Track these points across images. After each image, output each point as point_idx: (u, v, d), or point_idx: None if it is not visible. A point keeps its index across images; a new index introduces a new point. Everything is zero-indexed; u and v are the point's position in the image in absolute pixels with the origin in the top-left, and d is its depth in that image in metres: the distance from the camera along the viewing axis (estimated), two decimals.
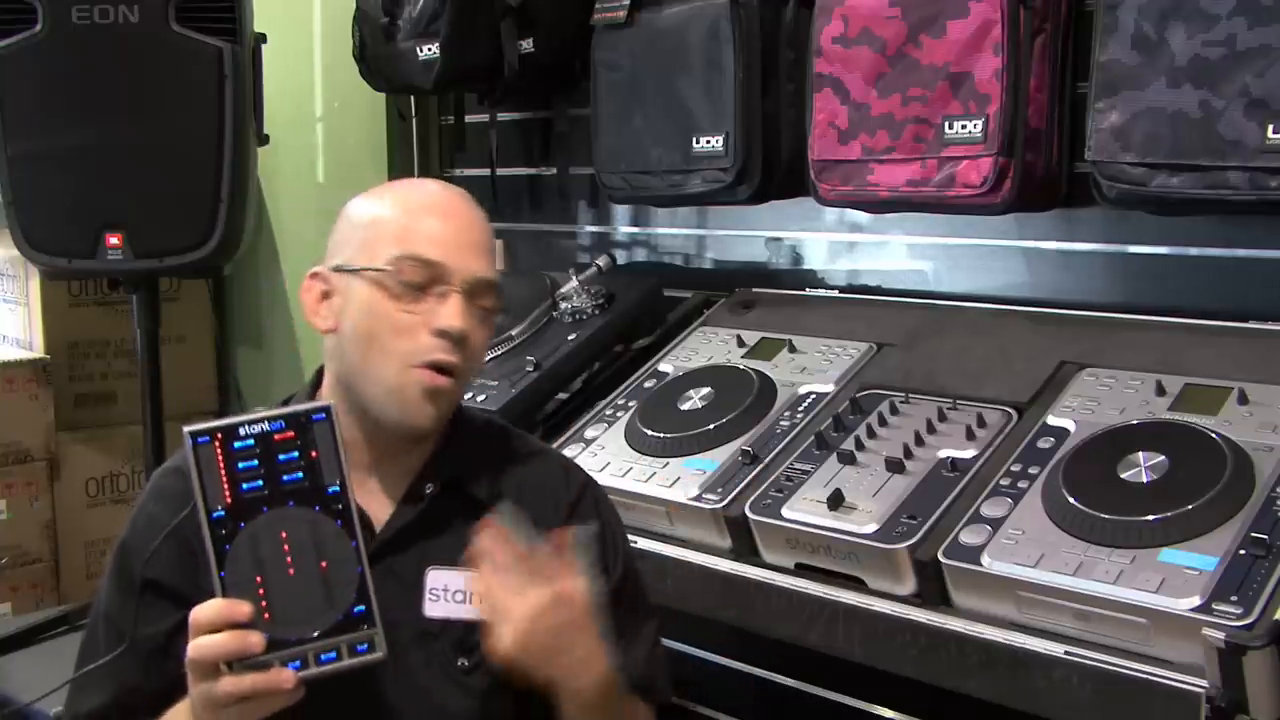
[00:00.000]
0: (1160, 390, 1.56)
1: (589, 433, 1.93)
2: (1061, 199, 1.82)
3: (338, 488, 1.17)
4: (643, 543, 1.69)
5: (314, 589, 1.15)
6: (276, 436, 1.17)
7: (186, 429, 1.15)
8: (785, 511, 1.58)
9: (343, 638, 1.15)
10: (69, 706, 1.41)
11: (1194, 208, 1.61)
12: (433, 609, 1.34)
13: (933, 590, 1.45)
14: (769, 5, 2.01)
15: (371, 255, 1.34)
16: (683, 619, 1.69)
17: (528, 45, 2.30)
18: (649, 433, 1.84)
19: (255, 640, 1.12)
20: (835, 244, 2.20)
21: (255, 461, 1.16)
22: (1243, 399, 1.50)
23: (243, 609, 1.13)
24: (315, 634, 1.15)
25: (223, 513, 1.14)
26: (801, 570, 1.57)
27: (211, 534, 1.14)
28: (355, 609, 1.16)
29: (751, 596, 1.59)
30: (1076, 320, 1.81)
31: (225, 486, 1.15)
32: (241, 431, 1.16)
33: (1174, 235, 1.77)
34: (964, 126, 1.74)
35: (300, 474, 1.17)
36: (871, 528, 1.50)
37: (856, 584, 1.52)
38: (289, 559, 1.15)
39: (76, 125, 2.33)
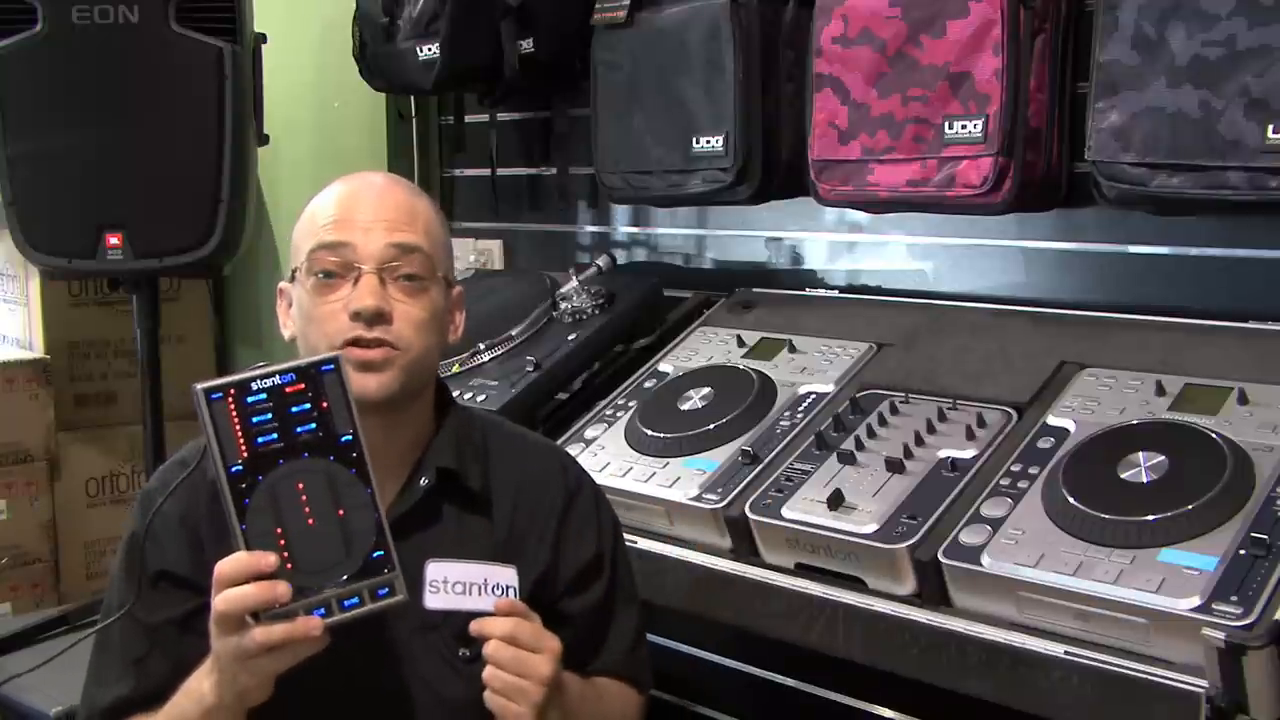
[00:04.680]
0: (1160, 390, 1.56)
1: (589, 433, 1.93)
2: (1061, 199, 1.82)
3: (350, 436, 1.18)
4: (643, 543, 1.69)
5: (333, 537, 1.16)
6: (288, 389, 1.17)
7: (199, 385, 1.15)
8: (785, 511, 1.58)
9: (364, 583, 1.16)
10: (86, 701, 1.40)
11: (1194, 208, 1.61)
12: (433, 600, 1.34)
13: (933, 590, 1.45)
14: (769, 5, 2.00)
15: (298, 256, 1.39)
16: (683, 619, 1.70)
17: (528, 45, 2.30)
18: (649, 433, 1.84)
19: (283, 590, 1.13)
20: (835, 244, 2.20)
21: (269, 414, 1.16)
22: (1243, 399, 1.50)
23: (268, 559, 1.14)
24: (337, 581, 1.16)
25: (240, 467, 1.15)
26: (801, 570, 1.57)
27: (231, 489, 1.14)
28: (374, 554, 1.17)
29: (751, 596, 1.59)
30: (1076, 320, 1.81)
31: (241, 441, 1.15)
32: (254, 386, 1.17)
33: (1174, 235, 1.77)
34: (964, 126, 1.74)
35: (313, 424, 1.18)
36: (871, 528, 1.50)
37: (856, 584, 1.52)
38: (307, 509, 1.16)
39: (76, 125, 2.32)
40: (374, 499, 1.18)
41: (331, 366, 1.20)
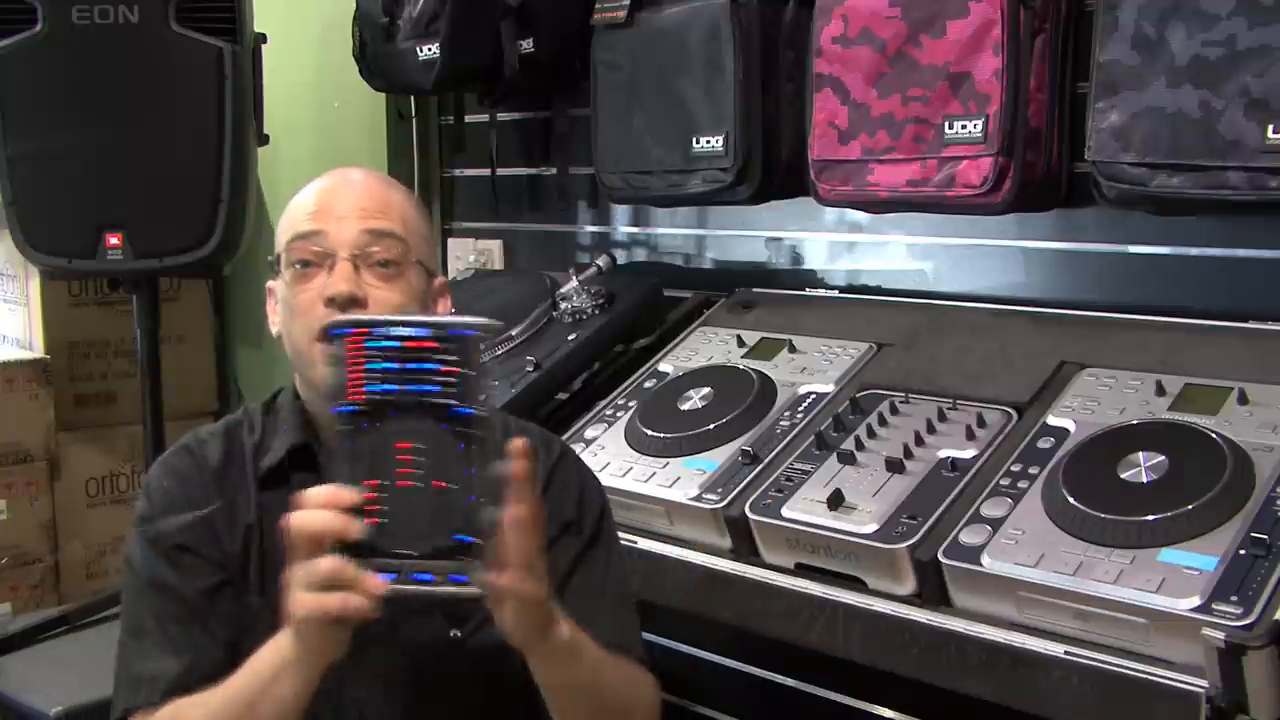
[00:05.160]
0: (1160, 390, 1.56)
1: (589, 433, 1.93)
2: (1061, 199, 1.82)
3: (470, 410, 1.11)
4: (643, 543, 1.69)
5: (423, 506, 1.10)
6: (418, 343, 1.11)
7: (328, 320, 1.13)
8: (785, 511, 1.58)
9: (441, 563, 1.10)
10: (124, 681, 1.37)
11: (1194, 208, 1.61)
12: None
13: (933, 590, 1.45)
14: (769, 5, 2.00)
15: (279, 250, 1.41)
16: (683, 619, 1.69)
17: (528, 45, 2.30)
18: (649, 433, 1.84)
19: (356, 527, 1.09)
20: (835, 244, 2.20)
21: (392, 364, 1.11)
22: (1243, 399, 1.50)
23: (348, 496, 1.10)
24: (415, 552, 1.10)
25: (351, 408, 1.10)
26: (801, 570, 1.57)
27: (336, 426, 1.11)
28: (459, 537, 1.10)
29: (751, 596, 1.59)
30: (1076, 320, 1.81)
31: (358, 382, 1.11)
32: (383, 332, 1.11)
33: (1174, 235, 1.77)
34: (964, 126, 1.74)
35: (435, 387, 1.11)
36: (871, 528, 1.50)
37: (856, 584, 1.52)
38: (405, 470, 1.10)
39: (76, 125, 2.32)
40: (475, 481, 1.11)
41: (473, 331, 1.12)
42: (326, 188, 1.42)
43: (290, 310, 1.38)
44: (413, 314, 1.16)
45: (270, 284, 1.44)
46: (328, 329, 1.12)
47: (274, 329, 1.44)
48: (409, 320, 1.13)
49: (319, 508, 1.11)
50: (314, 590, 1.11)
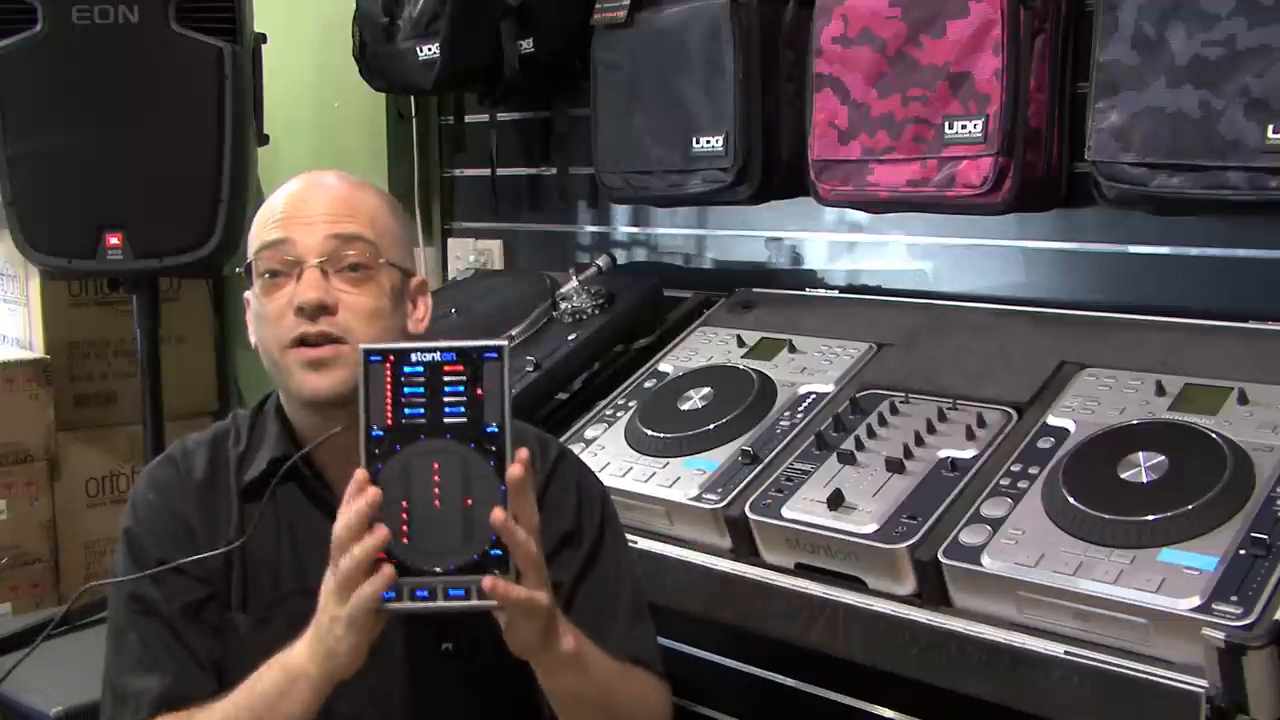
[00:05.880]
0: (1160, 390, 1.56)
1: (589, 433, 1.93)
2: (1061, 199, 1.82)
3: (496, 429, 1.16)
4: (643, 543, 1.69)
5: (455, 524, 1.15)
6: (446, 368, 1.16)
7: (363, 346, 1.17)
8: (785, 511, 1.58)
9: (473, 578, 1.14)
10: (110, 693, 1.38)
11: (1194, 208, 1.61)
12: None
13: (933, 590, 1.45)
14: (769, 5, 2.01)
15: (248, 259, 1.40)
16: (683, 619, 1.70)
17: (528, 45, 2.30)
18: (649, 433, 1.84)
19: (382, 532, 1.12)
20: (835, 244, 2.20)
21: (421, 389, 1.16)
22: (1243, 399, 1.50)
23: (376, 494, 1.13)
24: (449, 568, 1.14)
25: (381, 433, 1.15)
26: (801, 570, 1.57)
27: (367, 451, 1.15)
28: (492, 551, 1.15)
29: (751, 596, 1.59)
30: (1076, 320, 1.81)
31: (389, 408, 1.15)
32: (413, 358, 1.16)
33: (1174, 235, 1.77)
34: (964, 126, 1.74)
35: (462, 409, 1.16)
36: (871, 528, 1.50)
37: (856, 584, 1.52)
38: (436, 489, 1.15)
39: (76, 125, 2.32)
40: (505, 497, 1.16)
41: (495, 355, 1.17)
42: (293, 193, 1.40)
43: (260, 320, 1.37)
44: (441, 339, 1.21)
45: (247, 295, 1.43)
46: (367, 354, 1.16)
47: (253, 340, 1.42)
48: (435, 347, 1.17)
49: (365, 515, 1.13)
50: (356, 580, 1.13)
